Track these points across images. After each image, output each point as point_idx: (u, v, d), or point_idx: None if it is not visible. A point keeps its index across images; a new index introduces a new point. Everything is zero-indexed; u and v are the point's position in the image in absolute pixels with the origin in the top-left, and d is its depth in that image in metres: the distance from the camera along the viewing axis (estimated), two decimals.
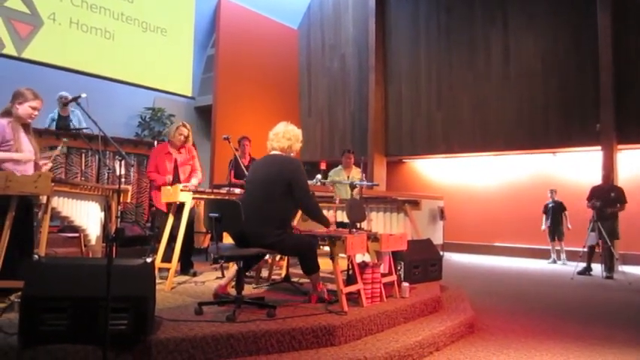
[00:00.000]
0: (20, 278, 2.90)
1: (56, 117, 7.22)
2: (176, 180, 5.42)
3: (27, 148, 3.94)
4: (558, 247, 10.70)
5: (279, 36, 12.34)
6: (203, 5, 10.85)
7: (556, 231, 10.60)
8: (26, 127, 4.00)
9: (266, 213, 3.84)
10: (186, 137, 5.55)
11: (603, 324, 5.07)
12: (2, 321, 3.04)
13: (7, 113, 3.88)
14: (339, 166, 7.79)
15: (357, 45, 14.32)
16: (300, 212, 4.92)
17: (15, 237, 3.69)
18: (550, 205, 10.76)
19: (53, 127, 7.09)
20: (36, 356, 2.73)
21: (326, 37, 14.95)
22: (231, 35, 10.98)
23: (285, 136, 4.12)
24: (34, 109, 3.94)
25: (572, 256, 10.02)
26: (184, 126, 5.54)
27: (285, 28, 12.74)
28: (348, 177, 7.44)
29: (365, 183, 6.71)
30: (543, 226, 10.83)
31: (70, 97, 7.40)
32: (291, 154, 4.19)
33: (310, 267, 4.04)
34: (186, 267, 5.45)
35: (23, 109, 3.89)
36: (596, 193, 8.72)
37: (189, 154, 5.65)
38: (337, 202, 6.09)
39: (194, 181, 5.53)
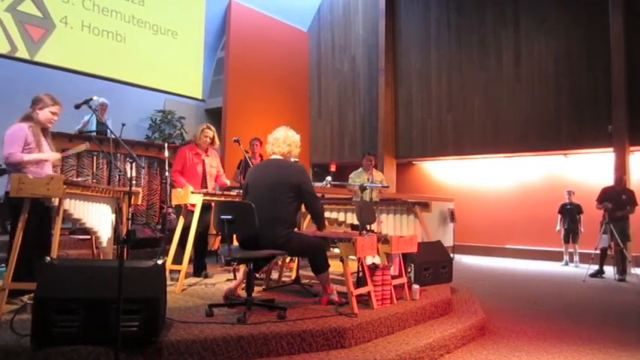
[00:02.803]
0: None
1: (95, 122, 7.29)
2: (204, 185, 5.49)
3: (47, 151, 4.10)
4: (572, 250, 10.61)
5: (289, 38, 12.35)
6: (213, 8, 10.90)
7: (572, 233, 10.50)
8: (45, 131, 4.15)
9: (274, 215, 3.85)
10: (212, 139, 5.61)
11: (616, 327, 5.02)
12: (15, 322, 3.06)
13: (28, 118, 4.02)
14: (360, 169, 7.76)
15: (367, 47, 14.31)
16: (308, 217, 4.94)
17: (34, 240, 3.76)
18: (567, 207, 10.65)
19: (91, 129, 7.19)
20: (48, 357, 2.75)
21: (336, 39, 14.96)
22: (241, 38, 11.00)
23: (285, 142, 4.16)
24: (53, 114, 4.10)
25: (584, 258, 9.95)
26: (209, 128, 5.61)
27: (295, 30, 12.75)
28: (369, 179, 7.43)
29: (375, 185, 6.72)
30: (558, 227, 10.73)
31: (106, 102, 7.52)
32: (291, 159, 4.22)
33: (319, 266, 4.05)
34: (199, 269, 5.47)
35: (44, 115, 4.05)
36: (607, 195, 8.65)
37: (215, 157, 5.74)
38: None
39: (228, 181, 5.82)
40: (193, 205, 4.90)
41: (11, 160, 3.85)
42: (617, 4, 10.49)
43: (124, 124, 6.97)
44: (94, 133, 7.27)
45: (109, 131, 7.11)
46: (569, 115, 11.21)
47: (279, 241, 3.83)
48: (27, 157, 3.90)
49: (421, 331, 3.98)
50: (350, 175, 7.80)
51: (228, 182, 5.89)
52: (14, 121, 4.01)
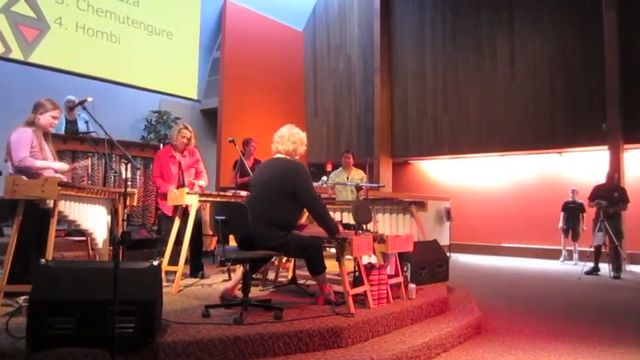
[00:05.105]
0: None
1: (64, 121, 7.24)
2: (181, 183, 5.44)
3: (49, 155, 4.21)
4: (571, 247, 10.62)
5: (284, 38, 12.33)
6: (208, 8, 10.87)
7: (573, 231, 10.52)
8: (46, 135, 4.26)
9: (271, 215, 3.84)
10: (189, 139, 5.56)
11: (611, 324, 5.04)
12: (10, 325, 3.05)
13: (31, 123, 4.13)
14: (340, 168, 7.81)
15: (363, 46, 14.32)
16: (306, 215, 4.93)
17: (34, 242, 3.77)
18: (570, 205, 10.66)
19: (61, 131, 7.12)
20: None
21: (331, 38, 14.96)
22: (237, 38, 10.98)
23: (290, 139, 4.13)
24: (54, 118, 4.24)
25: (581, 256, 9.99)
26: (186, 128, 5.55)
27: (291, 29, 12.73)
28: (348, 178, 7.46)
29: (371, 184, 6.72)
30: (560, 224, 10.73)
31: (77, 101, 7.44)
32: (296, 158, 4.19)
33: (316, 267, 4.03)
34: (196, 270, 5.46)
35: (45, 119, 4.18)
36: (599, 193, 8.67)
37: (193, 157, 5.65)
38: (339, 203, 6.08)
39: (202, 183, 5.58)
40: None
41: (23, 165, 3.93)
42: (611, 4, 10.53)
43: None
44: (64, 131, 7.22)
45: (79, 128, 7.05)
46: (563, 114, 11.24)
47: (275, 242, 3.82)
48: (38, 163, 4.00)
49: (418, 330, 3.99)
50: (330, 175, 7.85)
51: (203, 184, 5.63)
52: (15, 124, 4.12)
